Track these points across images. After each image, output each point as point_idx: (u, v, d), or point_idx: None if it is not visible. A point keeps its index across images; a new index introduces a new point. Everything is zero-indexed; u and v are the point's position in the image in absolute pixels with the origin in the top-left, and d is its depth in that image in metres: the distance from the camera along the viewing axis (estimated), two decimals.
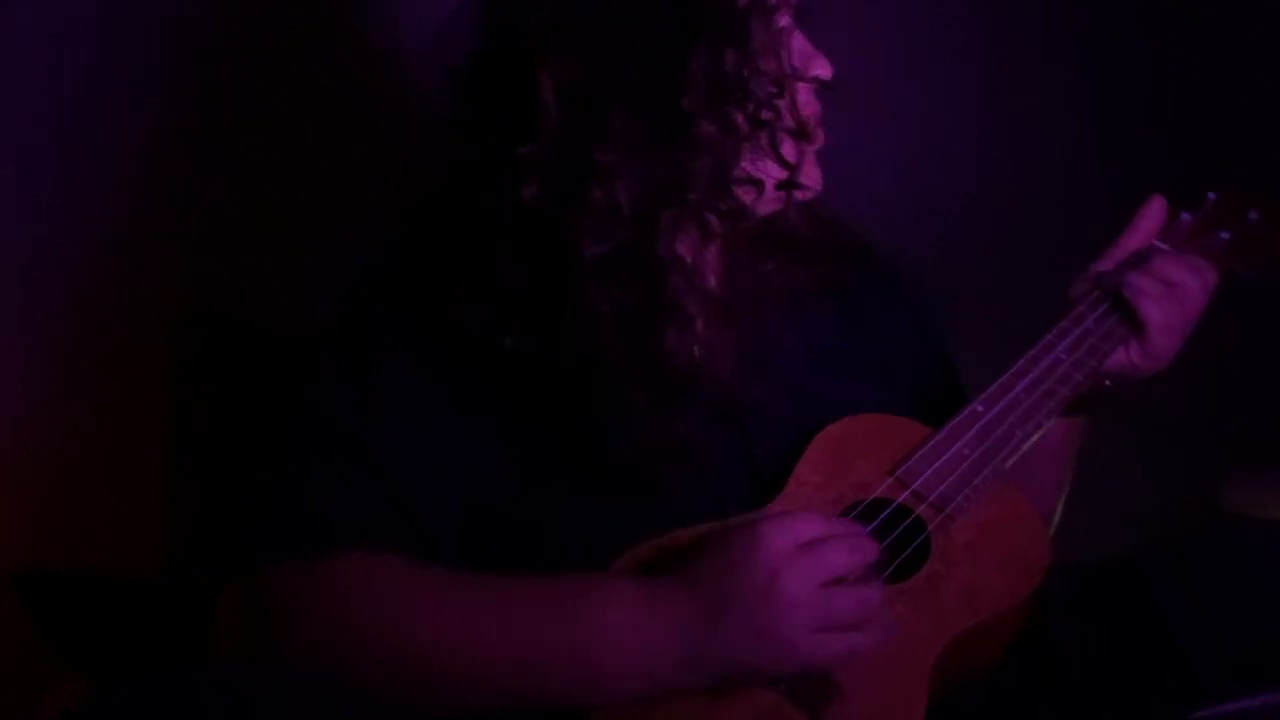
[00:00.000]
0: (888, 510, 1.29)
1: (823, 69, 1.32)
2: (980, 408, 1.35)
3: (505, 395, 1.27)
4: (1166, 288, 1.38)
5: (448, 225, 1.29)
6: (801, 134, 1.30)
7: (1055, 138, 2.13)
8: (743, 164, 1.28)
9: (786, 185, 1.30)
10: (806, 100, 1.31)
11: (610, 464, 1.26)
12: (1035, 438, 1.36)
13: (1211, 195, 1.50)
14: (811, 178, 1.33)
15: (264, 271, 1.74)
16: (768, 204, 1.31)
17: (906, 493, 1.30)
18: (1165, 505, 2.04)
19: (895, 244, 1.53)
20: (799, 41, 1.31)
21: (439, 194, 1.31)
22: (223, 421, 1.66)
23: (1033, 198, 2.11)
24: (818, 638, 1.16)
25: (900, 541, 1.27)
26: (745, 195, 1.29)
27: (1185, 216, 1.48)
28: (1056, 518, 1.49)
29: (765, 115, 1.27)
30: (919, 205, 2.00)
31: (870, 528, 1.27)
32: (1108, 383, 1.43)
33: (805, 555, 1.17)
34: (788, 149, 1.29)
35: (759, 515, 1.22)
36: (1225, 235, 1.46)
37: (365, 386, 1.27)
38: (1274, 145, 1.97)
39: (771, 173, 1.29)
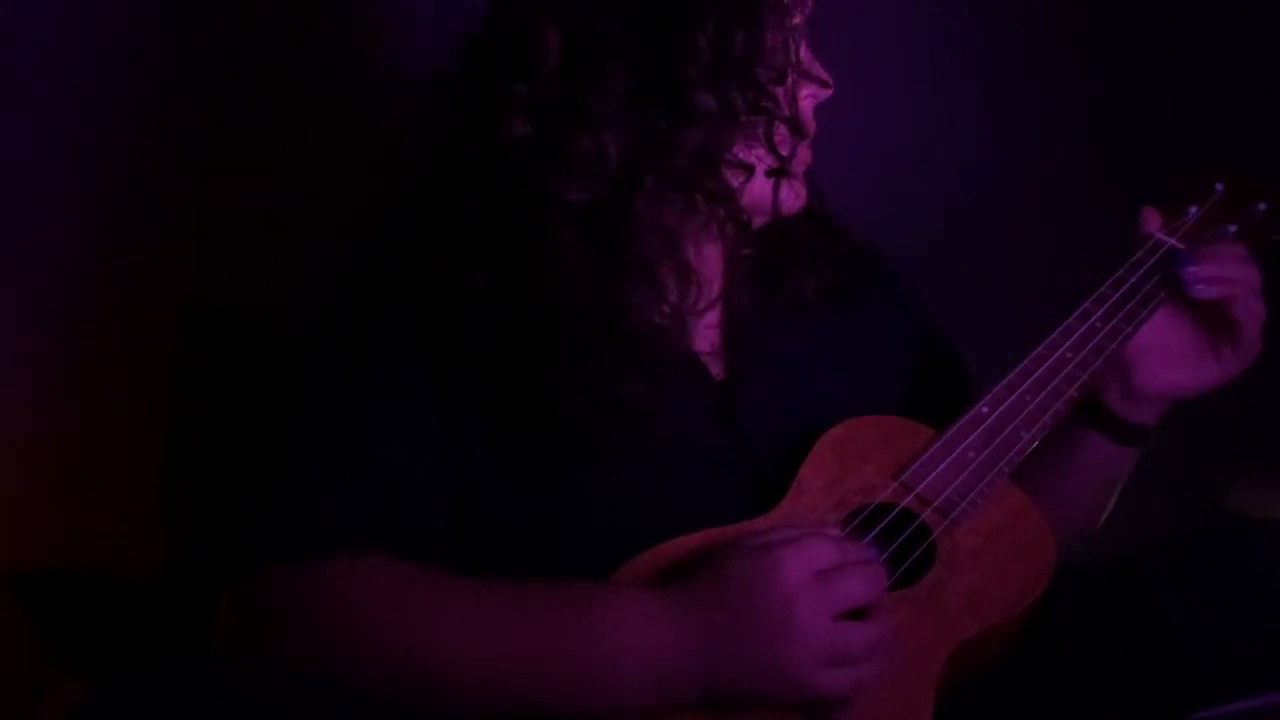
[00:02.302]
0: (892, 515, 1.28)
1: (825, 79, 1.33)
2: (985, 409, 1.34)
3: (495, 390, 1.27)
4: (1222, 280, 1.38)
5: (437, 193, 1.30)
6: (796, 127, 1.30)
7: (1056, 138, 2.12)
8: (735, 148, 1.28)
9: (776, 173, 1.31)
10: (805, 99, 1.32)
11: (573, 428, 1.25)
12: (1040, 440, 1.35)
13: (1219, 186, 1.48)
14: (800, 163, 1.33)
15: (264, 271, 1.74)
16: (755, 193, 1.31)
17: (911, 497, 1.29)
18: (1166, 505, 2.04)
19: (895, 244, 1.53)
20: (805, 51, 1.31)
21: (424, 172, 1.32)
22: (223, 421, 1.65)
23: (1034, 198, 2.11)
24: (824, 672, 1.16)
25: (905, 547, 1.27)
26: (733, 178, 1.29)
27: (1193, 210, 1.46)
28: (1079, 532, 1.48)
29: (764, 103, 1.27)
30: (918, 205, 2.00)
31: (874, 533, 1.27)
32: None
33: (820, 585, 1.16)
34: (781, 139, 1.30)
35: (771, 535, 1.20)
36: (1232, 228, 1.45)
37: (363, 387, 1.27)
38: (1274, 145, 1.97)
39: (762, 160, 1.30)
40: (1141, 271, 1.42)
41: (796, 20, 1.30)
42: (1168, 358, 1.40)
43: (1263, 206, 1.46)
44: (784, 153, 1.30)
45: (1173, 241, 1.43)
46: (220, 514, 1.57)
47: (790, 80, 1.29)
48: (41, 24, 1.71)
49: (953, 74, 2.06)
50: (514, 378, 1.27)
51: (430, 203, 1.31)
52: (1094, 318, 1.39)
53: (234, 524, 1.28)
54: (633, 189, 1.25)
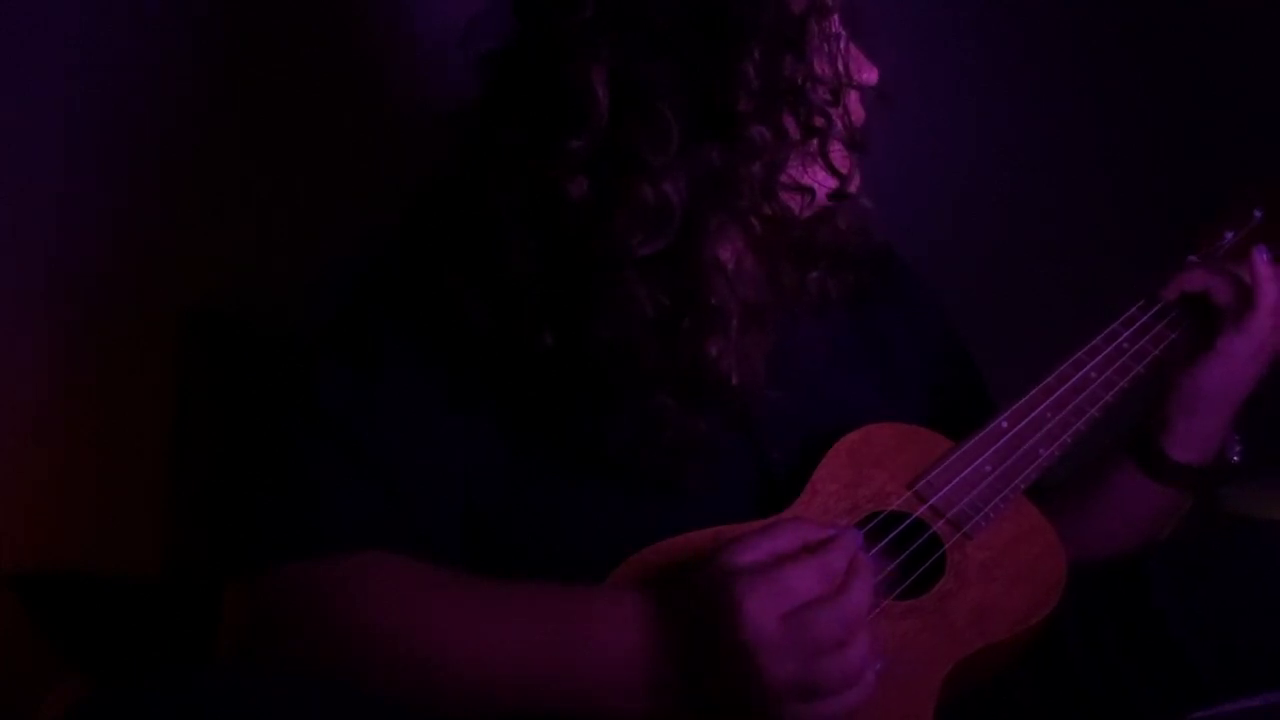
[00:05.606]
0: (904, 524, 1.27)
1: (870, 75, 1.29)
2: (1004, 424, 1.33)
3: (508, 395, 1.27)
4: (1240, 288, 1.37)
5: (454, 219, 1.27)
6: (854, 142, 1.28)
7: (1059, 139, 2.12)
8: (790, 170, 1.26)
9: (838, 195, 1.29)
10: (856, 107, 1.29)
11: (622, 464, 1.24)
12: (1060, 457, 1.34)
13: (1258, 214, 1.47)
14: (854, 185, 1.31)
15: (265, 272, 1.74)
16: (809, 211, 1.30)
17: (924, 507, 1.28)
18: None
19: (906, 247, 1.53)
20: (849, 47, 1.29)
21: (445, 187, 1.30)
22: (223, 421, 1.66)
23: (1039, 201, 2.11)
24: (794, 706, 1.12)
25: (915, 557, 1.26)
26: (792, 201, 1.27)
27: (1228, 235, 1.46)
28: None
29: (818, 122, 1.25)
30: (924, 208, 2.00)
31: (885, 541, 1.26)
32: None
33: (789, 629, 1.11)
34: (838, 156, 1.27)
35: (747, 549, 1.15)
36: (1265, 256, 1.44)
37: (365, 386, 1.26)
38: (1275, 145, 1.97)
39: (820, 180, 1.28)
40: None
41: (836, 24, 1.26)
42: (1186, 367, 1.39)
43: None
44: (843, 170, 1.27)
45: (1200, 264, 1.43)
46: (221, 514, 1.57)
47: (842, 94, 1.25)
48: (44, 25, 1.71)
49: (957, 73, 2.06)
50: (543, 400, 1.25)
51: (468, 235, 1.26)
52: (1121, 338, 1.39)
53: (239, 523, 1.27)
54: (699, 233, 1.22)
